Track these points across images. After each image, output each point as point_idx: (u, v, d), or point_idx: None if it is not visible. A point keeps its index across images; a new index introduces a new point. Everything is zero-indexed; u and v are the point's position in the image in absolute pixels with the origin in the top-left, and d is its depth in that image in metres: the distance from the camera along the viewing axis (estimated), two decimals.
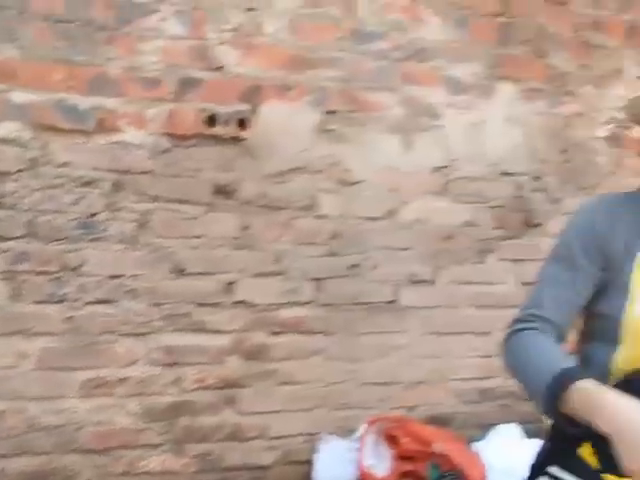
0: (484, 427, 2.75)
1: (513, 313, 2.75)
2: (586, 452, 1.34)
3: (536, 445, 2.20)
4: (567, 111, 2.66)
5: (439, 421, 2.71)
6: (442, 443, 2.37)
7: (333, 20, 2.28)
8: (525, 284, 2.72)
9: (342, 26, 2.29)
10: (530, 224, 2.70)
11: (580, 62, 2.63)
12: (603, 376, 1.34)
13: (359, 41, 2.32)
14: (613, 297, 1.33)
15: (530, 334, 1.33)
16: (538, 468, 1.44)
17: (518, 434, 2.62)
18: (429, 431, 2.44)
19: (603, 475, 1.31)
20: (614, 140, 2.76)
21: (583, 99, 2.67)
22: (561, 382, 1.18)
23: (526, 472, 1.60)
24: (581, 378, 1.18)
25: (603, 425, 1.15)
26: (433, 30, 2.40)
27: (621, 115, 2.73)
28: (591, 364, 1.40)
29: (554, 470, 1.39)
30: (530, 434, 2.74)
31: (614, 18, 2.64)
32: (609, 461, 1.36)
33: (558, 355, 1.27)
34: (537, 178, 2.68)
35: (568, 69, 2.62)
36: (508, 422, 2.75)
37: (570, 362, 1.25)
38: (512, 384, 2.78)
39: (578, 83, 2.65)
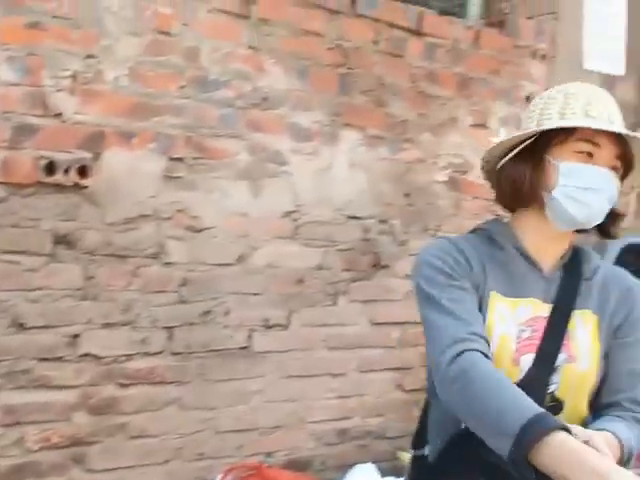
0: (344, 468, 2.77)
1: (366, 353, 2.83)
2: None
3: None
4: (408, 157, 2.79)
5: (298, 465, 2.70)
6: None
7: (175, 68, 2.29)
8: (375, 324, 2.81)
9: (185, 74, 2.31)
10: (378, 266, 2.79)
11: (418, 111, 2.78)
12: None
13: (202, 89, 2.34)
14: None
15: (478, 364, 1.29)
16: None
17: (374, 473, 2.66)
18: (286, 476, 2.43)
19: None
20: (453, 184, 2.92)
21: (422, 146, 2.82)
22: (533, 433, 1.15)
23: None
24: (555, 428, 1.15)
25: None
26: (275, 79, 2.46)
27: (458, 160, 2.91)
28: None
29: None
30: (386, 472, 2.79)
31: (446, 71, 2.82)
32: None
33: (519, 396, 1.24)
34: (383, 221, 2.78)
35: (407, 117, 2.76)
36: (365, 462, 2.79)
37: (532, 405, 1.21)
38: (369, 423, 2.84)
39: (417, 131, 2.80)
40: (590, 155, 1.42)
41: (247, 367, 2.55)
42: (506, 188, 1.52)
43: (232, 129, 2.41)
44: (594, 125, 1.39)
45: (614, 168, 1.44)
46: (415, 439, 1.60)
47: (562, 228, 1.50)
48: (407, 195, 2.83)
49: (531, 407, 1.20)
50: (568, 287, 1.47)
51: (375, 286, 2.79)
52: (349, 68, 2.60)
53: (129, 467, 2.36)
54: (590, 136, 1.41)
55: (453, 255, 1.47)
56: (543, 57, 3.09)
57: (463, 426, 1.42)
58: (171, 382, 2.41)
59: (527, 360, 1.43)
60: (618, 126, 1.42)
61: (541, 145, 1.45)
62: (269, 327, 2.58)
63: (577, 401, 1.49)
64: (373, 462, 2.82)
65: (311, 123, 2.57)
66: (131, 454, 2.36)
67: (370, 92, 2.67)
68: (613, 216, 1.52)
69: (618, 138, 1.42)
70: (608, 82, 3.32)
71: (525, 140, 1.47)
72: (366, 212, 2.74)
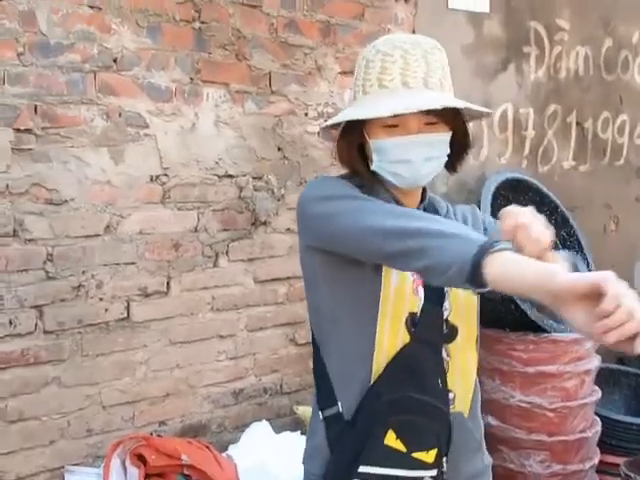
0: (242, 428, 2.77)
1: (253, 311, 2.80)
2: (391, 440, 1.39)
3: (288, 438, 2.11)
4: (277, 110, 2.74)
5: (195, 430, 2.69)
6: (190, 454, 2.34)
7: (10, 34, 2.17)
8: (260, 282, 2.78)
9: (21, 40, 2.18)
10: (257, 223, 2.75)
11: (282, 62, 2.73)
12: None
13: (44, 55, 2.22)
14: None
15: None
16: (343, 472, 1.42)
17: (269, 430, 2.66)
18: (176, 443, 2.40)
19: (413, 455, 1.39)
20: (325, 134, 2.89)
21: (290, 97, 2.77)
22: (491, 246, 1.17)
23: (282, 467, 1.58)
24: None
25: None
26: (125, 39, 2.36)
27: (329, 110, 2.88)
28: None
29: (366, 469, 1.40)
30: (285, 428, 2.80)
31: (308, 18, 2.77)
32: (414, 440, 1.41)
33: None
34: (257, 177, 2.74)
35: (271, 69, 2.71)
36: (263, 419, 2.79)
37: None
38: (264, 381, 2.83)
39: (283, 82, 2.75)
40: (395, 126, 1.43)
41: (128, 338, 2.50)
42: (342, 160, 1.57)
43: (82, 94, 2.30)
44: (386, 112, 1.40)
45: (430, 124, 1.45)
46: (321, 400, 1.54)
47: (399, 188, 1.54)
48: (280, 149, 2.79)
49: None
50: None
51: (256, 244, 2.76)
52: (203, 22, 2.52)
53: (11, 452, 2.29)
54: None
55: (343, 182, 1.51)
56: None
57: (372, 373, 1.44)
58: (47, 362, 2.34)
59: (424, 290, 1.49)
60: (423, 92, 1.42)
61: (359, 121, 1.48)
62: (147, 295, 2.52)
63: (469, 323, 1.56)
64: (272, 419, 2.83)
65: (169, 82, 2.48)
66: (11, 439, 2.29)
67: (229, 46, 2.59)
68: (457, 152, 1.57)
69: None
70: (474, 20, 3.35)
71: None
72: (239, 170, 2.69)
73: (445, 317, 1.52)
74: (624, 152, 4.33)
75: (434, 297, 1.50)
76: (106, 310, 2.44)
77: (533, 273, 1.12)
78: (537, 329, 3.06)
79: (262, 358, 2.84)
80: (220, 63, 2.58)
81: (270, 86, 2.72)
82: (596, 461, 3.25)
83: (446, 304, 1.52)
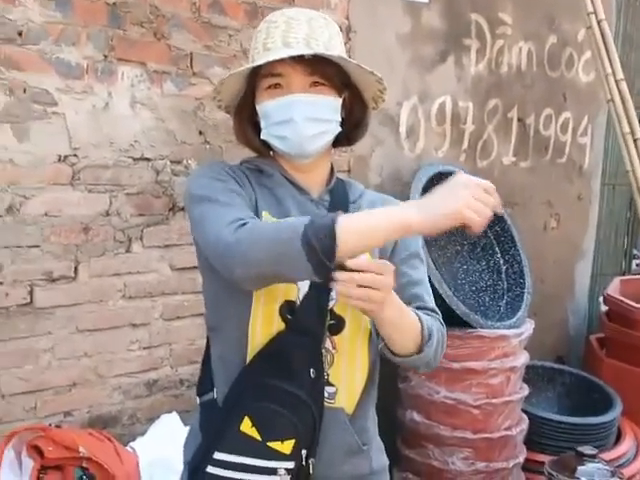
0: (155, 420, 2.68)
1: (170, 299, 2.71)
2: (247, 427, 1.34)
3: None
4: (198, 92, 2.65)
5: (103, 421, 2.60)
6: (89, 446, 2.25)
7: None
8: (176, 269, 2.70)
9: None
10: (175, 209, 2.66)
11: (204, 43, 2.63)
12: None
13: None
14: None
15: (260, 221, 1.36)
16: (201, 458, 1.39)
17: (178, 422, 2.58)
18: (75, 435, 2.30)
19: (268, 444, 1.34)
20: None
21: (213, 80, 2.68)
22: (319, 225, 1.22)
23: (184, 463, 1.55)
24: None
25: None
26: (31, 12, 2.25)
27: None
28: None
29: (221, 456, 1.36)
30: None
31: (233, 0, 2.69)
32: (269, 429, 1.37)
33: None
34: (176, 162, 2.65)
35: (193, 50, 2.61)
36: (179, 411, 2.71)
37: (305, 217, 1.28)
38: (180, 372, 2.74)
39: (205, 64, 2.65)
40: (278, 86, 1.44)
41: (30, 325, 2.39)
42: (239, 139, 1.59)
43: None
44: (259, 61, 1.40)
45: (316, 84, 1.46)
46: (200, 385, 1.57)
47: (293, 161, 1.54)
48: (202, 133, 2.70)
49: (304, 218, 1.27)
50: (336, 208, 1.47)
51: (173, 230, 2.67)
52: None
53: None
54: (270, 69, 1.44)
55: (227, 170, 1.48)
56: None
57: (247, 361, 1.42)
58: None
59: None
60: (300, 49, 1.40)
61: (251, 89, 1.50)
62: (53, 280, 2.42)
63: (358, 315, 1.50)
64: (188, 411, 2.75)
65: (81, 59, 2.38)
66: None
67: (146, 24, 2.49)
68: (352, 125, 1.57)
69: (312, 57, 1.42)
70: (412, 9, 3.28)
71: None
72: (156, 153, 2.59)
73: (331, 307, 1.47)
74: (567, 150, 4.31)
75: (321, 286, 1.44)
76: (6, 295, 2.33)
77: (385, 221, 1.24)
78: (464, 325, 3.02)
79: (178, 348, 2.76)
80: (137, 41, 2.48)
81: (192, 67, 2.63)
82: (521, 459, 3.23)
83: (333, 294, 1.47)
